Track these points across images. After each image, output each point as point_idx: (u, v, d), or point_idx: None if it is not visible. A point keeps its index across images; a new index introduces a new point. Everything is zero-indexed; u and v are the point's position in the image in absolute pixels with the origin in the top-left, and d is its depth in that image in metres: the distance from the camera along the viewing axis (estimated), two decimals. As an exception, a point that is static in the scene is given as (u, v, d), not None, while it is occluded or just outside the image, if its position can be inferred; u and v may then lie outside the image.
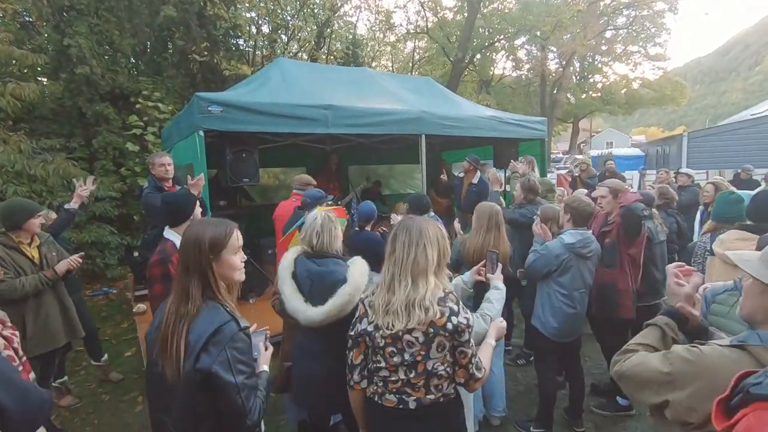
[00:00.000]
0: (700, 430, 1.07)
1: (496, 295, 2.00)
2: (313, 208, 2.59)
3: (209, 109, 3.79)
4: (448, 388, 1.58)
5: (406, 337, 1.48)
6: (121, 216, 7.19)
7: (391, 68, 20.37)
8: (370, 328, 1.54)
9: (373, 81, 6.02)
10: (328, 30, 12.49)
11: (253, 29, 10.64)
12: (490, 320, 1.86)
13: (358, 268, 1.95)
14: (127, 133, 7.25)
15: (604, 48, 24.27)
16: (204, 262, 1.35)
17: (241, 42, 10.85)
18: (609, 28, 23.28)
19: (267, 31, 11.53)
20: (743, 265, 1.11)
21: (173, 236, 2.32)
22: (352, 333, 1.61)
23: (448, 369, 1.54)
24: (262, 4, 10.43)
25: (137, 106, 7.37)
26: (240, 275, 1.46)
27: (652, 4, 20.84)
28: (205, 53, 8.29)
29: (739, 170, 8.43)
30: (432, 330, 1.46)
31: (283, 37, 11.87)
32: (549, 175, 12.33)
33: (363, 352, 1.60)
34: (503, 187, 5.75)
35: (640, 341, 1.32)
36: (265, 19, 10.87)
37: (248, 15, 10.11)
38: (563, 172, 12.42)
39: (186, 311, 1.32)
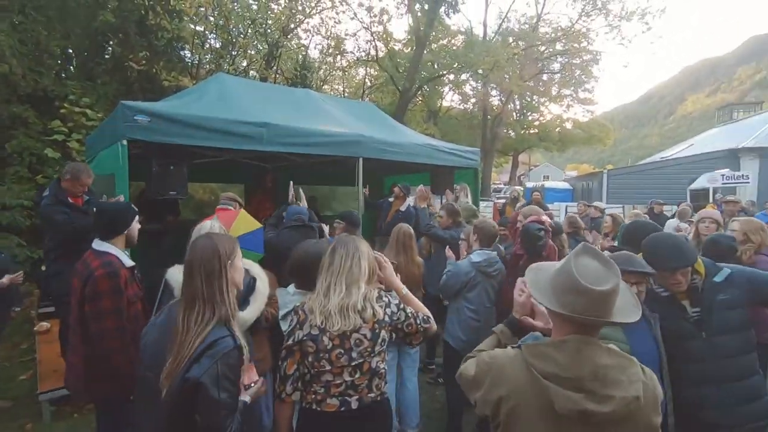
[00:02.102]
0: (493, 422, 1.23)
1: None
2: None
3: (135, 118, 3.68)
4: (384, 386, 1.74)
5: (355, 335, 1.59)
6: (32, 227, 6.61)
7: (343, 93, 20.74)
8: (314, 332, 1.59)
9: (315, 103, 6.13)
10: (279, 50, 12.58)
11: (200, 42, 10.47)
12: None
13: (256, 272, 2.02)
14: (48, 138, 6.76)
15: (541, 89, 26.34)
16: (221, 269, 1.49)
17: (186, 54, 10.63)
18: (545, 72, 25.35)
19: (216, 45, 11.41)
20: (529, 284, 1.31)
21: (112, 249, 2.26)
22: (289, 342, 1.63)
23: (384, 367, 1.72)
24: (210, 19, 10.34)
25: (62, 110, 6.93)
26: (242, 282, 1.71)
27: (582, 54, 23.07)
28: (144, 62, 8.03)
29: (653, 205, 9.47)
30: (377, 325, 1.63)
31: (233, 53, 11.79)
32: (489, 203, 12.97)
33: (298, 361, 1.63)
34: (430, 205, 6.01)
35: (481, 347, 1.47)
36: (212, 33, 10.76)
37: (194, 28, 9.96)
38: (501, 201, 13.18)
39: (205, 320, 1.40)
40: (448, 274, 2.83)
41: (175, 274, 2.01)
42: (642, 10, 17.87)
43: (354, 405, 1.62)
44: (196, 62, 10.42)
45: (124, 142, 3.63)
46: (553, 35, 21.43)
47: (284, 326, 1.70)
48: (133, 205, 2.57)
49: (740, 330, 1.95)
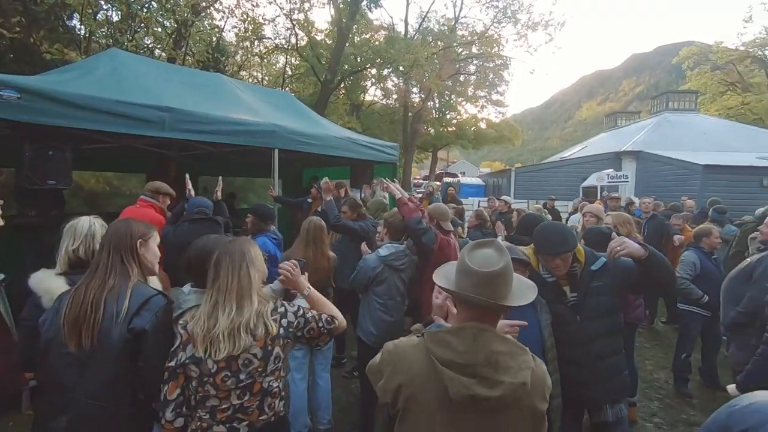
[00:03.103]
0: (392, 411, 1.27)
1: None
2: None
3: (1, 93, 3.15)
4: (279, 404, 1.62)
5: (243, 356, 1.46)
6: None
7: (261, 81, 19.85)
8: (198, 354, 1.44)
9: (227, 88, 5.78)
10: (189, 30, 11.62)
11: (92, 12, 9.28)
12: None
13: None
14: None
15: (458, 89, 27.65)
16: (132, 245, 1.60)
17: (76, 24, 9.37)
18: (462, 72, 26.63)
19: (115, 18, 10.21)
20: (436, 275, 1.37)
21: None
22: (171, 364, 1.47)
23: (280, 385, 1.60)
24: (105, -13, 9.23)
25: None
26: (157, 267, 1.74)
27: (494, 58, 24.61)
28: (18, 29, 6.91)
29: (548, 201, 10.63)
30: (270, 342, 1.50)
31: (134, 28, 10.63)
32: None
33: (181, 385, 1.48)
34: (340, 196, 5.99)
35: None
36: (108, 4, 9.60)
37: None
38: (421, 194, 13.65)
39: (113, 284, 1.50)
40: (357, 268, 2.84)
41: (44, 281, 1.77)
42: (545, 22, 19.50)
43: (243, 431, 1.51)
44: (87, 35, 9.23)
45: (-14, 120, 3.10)
46: (469, 38, 22.55)
47: (177, 329, 1.53)
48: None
49: (610, 314, 2.15)
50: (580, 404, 2.21)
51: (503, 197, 7.35)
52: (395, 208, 3.19)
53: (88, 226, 1.85)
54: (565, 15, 19.89)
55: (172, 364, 1.46)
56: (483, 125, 30.99)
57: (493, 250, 1.26)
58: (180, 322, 1.52)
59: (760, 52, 30.36)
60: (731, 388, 2.49)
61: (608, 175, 12.85)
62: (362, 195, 6.42)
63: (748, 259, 3.13)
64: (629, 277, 2.08)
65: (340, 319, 1.73)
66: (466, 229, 6.38)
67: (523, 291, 1.29)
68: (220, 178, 4.49)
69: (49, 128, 3.47)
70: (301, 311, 1.63)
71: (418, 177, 38.43)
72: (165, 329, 1.51)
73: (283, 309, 1.58)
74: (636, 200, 7.22)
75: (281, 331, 1.53)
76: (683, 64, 34.60)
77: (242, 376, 1.47)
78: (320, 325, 1.65)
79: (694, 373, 4.28)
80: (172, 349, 1.48)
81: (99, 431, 1.46)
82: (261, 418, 1.54)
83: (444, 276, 1.34)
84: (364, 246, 3.05)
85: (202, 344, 1.42)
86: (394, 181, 3.54)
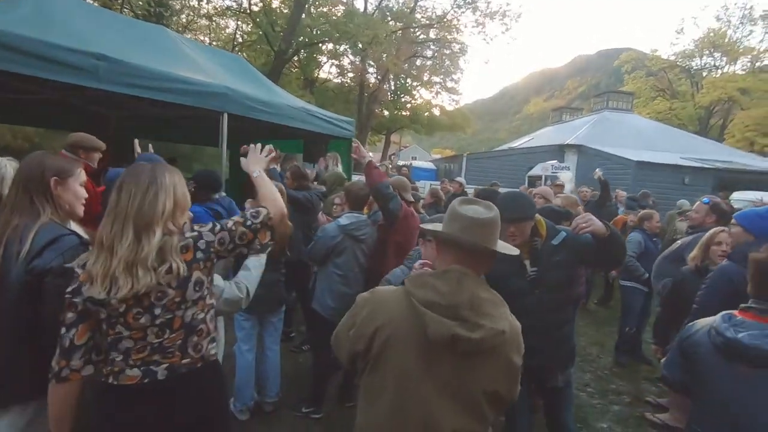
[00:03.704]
0: (365, 358, 1.25)
1: (254, 262, 1.94)
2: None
3: None
4: (208, 347, 1.42)
5: (156, 288, 1.26)
6: None
7: (209, 45, 18.59)
8: (99, 296, 1.23)
9: (172, 42, 5.29)
10: (127, -22, 10.55)
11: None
12: (245, 288, 1.78)
13: None
14: None
15: (414, 73, 27.64)
16: (44, 183, 1.44)
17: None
18: (418, 56, 26.61)
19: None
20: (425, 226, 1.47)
21: None
22: (76, 301, 1.26)
23: (207, 318, 1.41)
24: None
25: None
26: (81, 209, 1.58)
27: (452, 45, 24.83)
28: None
29: (491, 184, 11.05)
30: (186, 268, 1.30)
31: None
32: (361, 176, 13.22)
33: (91, 328, 1.29)
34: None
35: None
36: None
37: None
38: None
39: (17, 223, 1.37)
40: (316, 238, 2.74)
41: None
42: (503, 12, 19.89)
43: (161, 375, 1.32)
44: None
45: None
46: (427, 21, 22.49)
47: (75, 269, 1.31)
48: None
49: (566, 286, 2.19)
50: (533, 371, 2.28)
51: (457, 178, 7.52)
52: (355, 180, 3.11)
53: (12, 171, 1.64)
54: (522, 7, 20.51)
55: (77, 300, 1.26)
56: (437, 112, 31.37)
57: (482, 205, 1.30)
58: (76, 262, 1.31)
59: (687, 63, 33.21)
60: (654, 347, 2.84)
61: (552, 165, 13.53)
62: (316, 168, 6.25)
63: (679, 242, 3.42)
64: (587, 252, 2.12)
65: (270, 209, 1.52)
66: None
67: (507, 247, 1.35)
68: (136, 140, 3.89)
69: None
70: (218, 225, 1.42)
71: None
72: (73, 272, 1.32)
73: (195, 232, 1.38)
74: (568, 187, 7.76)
75: (198, 254, 1.34)
76: (623, 68, 37.09)
77: (157, 311, 1.29)
78: (248, 224, 1.44)
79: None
80: (70, 290, 1.27)
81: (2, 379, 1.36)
82: (184, 361, 1.36)
83: (431, 226, 1.41)
84: (321, 216, 2.94)
85: (102, 283, 1.23)
86: (358, 146, 3.40)
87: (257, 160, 1.73)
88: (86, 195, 1.61)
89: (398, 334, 1.20)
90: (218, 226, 1.41)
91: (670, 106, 32.32)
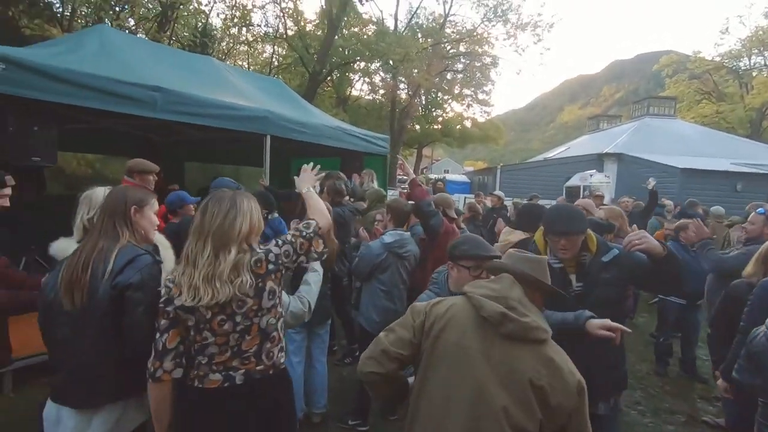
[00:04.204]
0: (426, 340, 1.38)
1: (314, 277, 2.06)
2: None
3: (-17, 63, 2.99)
4: (278, 354, 1.58)
5: (236, 298, 1.42)
6: None
7: (248, 69, 19.48)
8: (188, 304, 1.40)
9: (217, 72, 5.65)
10: (174, 13, 11.29)
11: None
12: (307, 302, 1.88)
13: None
14: None
15: (445, 87, 27.75)
16: (125, 211, 1.62)
17: (54, 1, 9.00)
18: (449, 70, 26.73)
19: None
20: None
21: None
22: (169, 309, 1.44)
23: (278, 326, 1.56)
24: (88, -36, 8.87)
25: None
26: (154, 234, 1.77)
27: (482, 57, 24.82)
28: (-5, 2, 6.59)
29: (531, 197, 10.82)
30: (260, 280, 1.47)
31: (116, 8, 10.26)
32: (395, 192, 13.38)
33: (181, 334, 1.47)
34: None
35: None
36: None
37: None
38: (406, 190, 13.72)
39: (102, 246, 1.54)
40: (360, 255, 2.84)
41: (65, 249, 1.76)
42: (534, 23, 19.74)
43: (239, 380, 1.47)
44: (69, 12, 8.87)
45: (-32, 91, 2.94)
46: (458, 36, 22.62)
47: (165, 284, 1.51)
48: (7, 177, 2.12)
49: (613, 306, 2.02)
50: None
51: (496, 192, 7.45)
52: (396, 197, 3.19)
53: (103, 196, 1.84)
54: (554, 17, 20.26)
55: (170, 309, 1.44)
56: (468, 124, 31.23)
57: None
58: (168, 276, 1.50)
59: (734, 63, 31.53)
60: (719, 382, 2.60)
61: (591, 175, 13.13)
62: (352, 184, 6.40)
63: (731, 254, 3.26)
64: (640, 273, 2.01)
65: (319, 220, 1.70)
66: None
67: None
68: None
69: (34, 103, 3.33)
70: (280, 241, 1.58)
71: (401, 173, 38.52)
72: (150, 286, 1.52)
73: (265, 248, 1.55)
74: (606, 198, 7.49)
75: (270, 266, 1.50)
76: (663, 72, 35.66)
77: (238, 318, 1.45)
78: (304, 234, 1.62)
79: (675, 364, 4.46)
80: (163, 300, 1.46)
81: (91, 384, 1.51)
82: (258, 368, 1.51)
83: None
84: (363, 231, 3.03)
85: (188, 292, 1.40)
86: (403, 163, 3.55)
87: (307, 179, 1.97)
88: (158, 222, 1.81)
89: (457, 316, 1.34)
90: (281, 241, 1.58)
91: (717, 109, 30.68)
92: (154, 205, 1.75)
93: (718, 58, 31.76)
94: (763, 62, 31.18)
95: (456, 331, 1.32)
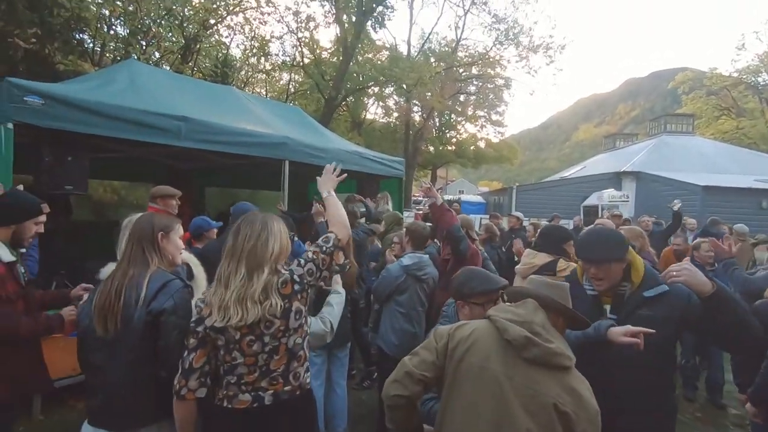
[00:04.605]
0: (450, 363, 1.38)
1: (337, 299, 2.09)
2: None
3: (25, 99, 3.19)
4: (305, 375, 1.60)
5: (264, 318, 1.45)
6: None
7: (266, 96, 20.10)
8: (219, 324, 1.44)
9: (238, 101, 5.86)
10: (197, 45, 11.84)
11: (104, 27, 9.46)
12: (329, 323, 1.91)
13: None
14: None
15: (458, 109, 28.05)
16: (153, 237, 1.68)
17: (86, 38, 9.54)
18: (462, 92, 27.06)
19: (122, 32, 10.38)
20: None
21: None
22: (199, 329, 1.48)
23: (304, 345, 1.59)
24: (118, 3, 9.41)
25: None
26: (180, 258, 1.82)
27: (495, 79, 25.08)
28: (33, 40, 7.02)
29: (554, 217, 10.67)
30: (287, 300, 1.49)
31: (143, 42, 10.81)
32: (410, 213, 13.42)
33: (208, 355, 1.50)
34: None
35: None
36: (119, 19, 9.80)
37: (98, 10, 8.98)
38: (420, 211, 13.72)
39: (133, 273, 1.60)
40: (380, 277, 2.87)
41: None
42: (546, 45, 19.96)
43: (268, 401, 1.49)
44: (99, 48, 9.38)
45: (10, 125, 3.13)
46: (470, 59, 22.99)
47: (197, 304, 1.57)
48: (43, 205, 2.24)
49: (658, 350, 1.70)
50: None
51: (514, 213, 7.40)
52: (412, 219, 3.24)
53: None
54: (565, 38, 20.35)
55: (200, 329, 1.48)
56: (482, 144, 31.33)
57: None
58: (199, 297, 1.55)
59: (753, 79, 31.09)
60: (748, 406, 2.49)
61: (609, 194, 12.97)
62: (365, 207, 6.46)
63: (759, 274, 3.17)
64: (691, 313, 1.68)
65: (337, 232, 1.70)
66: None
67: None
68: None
69: (68, 134, 3.52)
70: (302, 260, 1.60)
71: (418, 194, 38.66)
72: (182, 309, 1.57)
73: (290, 269, 1.57)
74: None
75: (296, 287, 1.52)
76: (679, 89, 35.38)
77: (266, 339, 1.47)
78: (324, 249, 1.63)
79: (703, 389, 4.30)
80: (193, 320, 1.51)
81: (127, 408, 1.56)
82: (286, 388, 1.52)
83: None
84: (389, 254, 3.08)
85: (218, 312, 1.44)
86: (428, 183, 3.59)
87: (328, 180, 1.96)
88: (183, 246, 1.87)
89: (482, 339, 1.34)
90: (303, 260, 1.60)
91: (737, 125, 30.15)
92: (179, 230, 1.82)
93: (735, 74, 31.37)
94: (782, 77, 30.67)
95: (480, 354, 1.32)
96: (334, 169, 2.00)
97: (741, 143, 26.85)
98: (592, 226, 2.49)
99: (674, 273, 1.62)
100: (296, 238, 3.68)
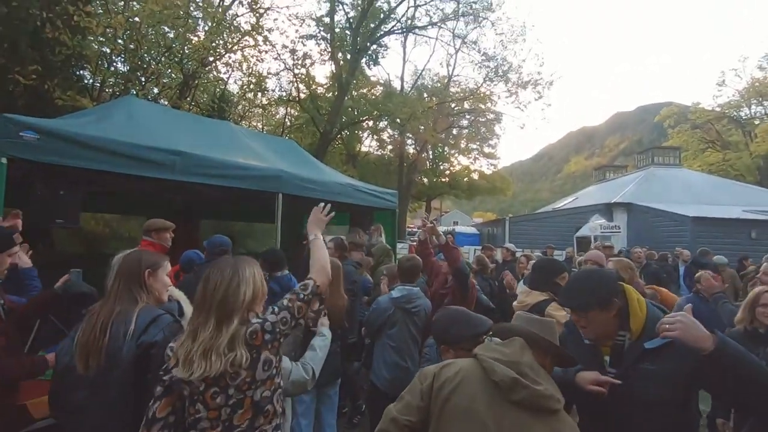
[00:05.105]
0: (435, 402, 1.34)
1: (320, 342, 2.03)
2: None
3: (21, 134, 3.24)
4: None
5: (230, 370, 1.38)
6: None
7: (262, 130, 20.44)
8: (181, 375, 1.39)
9: (233, 135, 5.96)
10: (195, 81, 12.12)
11: (105, 64, 9.71)
12: (311, 370, 1.85)
13: None
14: None
15: (451, 142, 28.65)
16: (140, 275, 1.69)
17: (86, 74, 9.76)
18: (454, 126, 27.71)
19: (122, 69, 10.64)
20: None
21: None
22: (165, 378, 1.43)
23: (274, 399, 1.48)
24: (119, 41, 9.70)
25: None
26: (166, 296, 1.82)
27: (486, 114, 25.78)
28: (34, 77, 7.17)
29: (547, 249, 10.68)
30: (255, 351, 1.42)
31: (142, 78, 11.07)
32: (404, 245, 13.40)
33: (173, 405, 1.45)
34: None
35: None
36: (120, 56, 10.07)
37: (100, 48, 9.25)
38: (414, 243, 13.73)
39: (120, 309, 1.59)
40: (371, 310, 2.85)
41: None
42: (535, 81, 20.66)
43: None
44: (98, 84, 9.59)
45: (4, 160, 3.16)
46: (461, 95, 23.69)
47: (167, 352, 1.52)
48: (14, 237, 2.24)
49: (670, 408, 1.51)
50: None
51: (506, 245, 7.43)
52: (408, 254, 3.29)
53: None
54: (553, 75, 21.06)
55: (166, 378, 1.43)
56: (475, 176, 31.81)
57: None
58: (170, 345, 1.47)
59: (735, 113, 32.22)
60: None
61: (601, 225, 13.08)
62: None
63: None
64: (701, 372, 1.42)
65: (317, 278, 1.65)
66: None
67: None
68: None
69: (61, 168, 3.55)
70: (276, 308, 1.53)
71: (412, 225, 38.76)
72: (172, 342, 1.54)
73: (261, 318, 1.49)
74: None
75: (266, 336, 1.44)
76: (664, 123, 36.49)
77: (231, 391, 1.40)
78: (301, 297, 1.57)
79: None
80: (162, 367, 1.44)
81: None
82: None
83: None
84: (384, 285, 3.08)
85: (183, 365, 1.37)
86: (432, 222, 3.73)
87: (318, 221, 1.92)
88: (170, 283, 1.88)
89: (468, 379, 1.31)
90: (277, 308, 1.53)
91: (723, 157, 30.95)
92: (166, 266, 1.83)
93: (718, 109, 32.55)
94: (763, 111, 31.81)
95: (466, 396, 1.29)
96: (323, 209, 1.96)
97: (728, 175, 27.46)
98: (583, 256, 2.50)
99: (666, 326, 1.40)
100: (286, 272, 3.67)
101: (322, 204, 1.98)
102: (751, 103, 31.70)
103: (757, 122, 31.35)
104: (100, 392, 1.51)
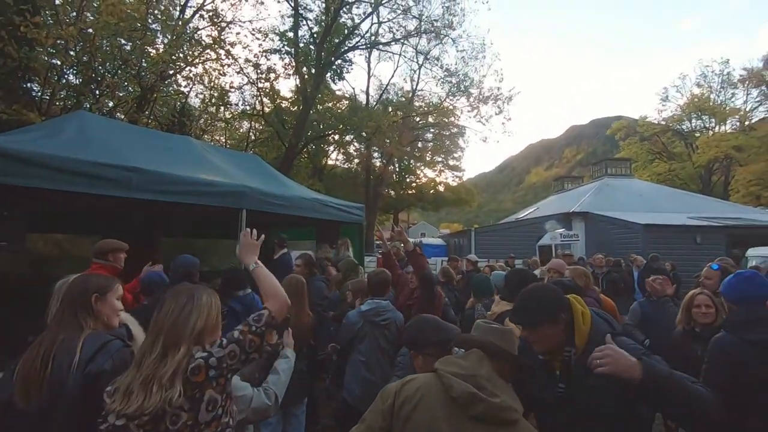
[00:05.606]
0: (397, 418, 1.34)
1: (284, 365, 1.97)
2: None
3: (-45, 152, 3.04)
4: None
5: (170, 412, 1.27)
6: None
7: (225, 144, 20.02)
8: (119, 422, 1.25)
9: (194, 150, 5.81)
10: (154, 95, 11.76)
11: (55, 76, 9.26)
12: (273, 395, 1.80)
13: None
14: None
15: (417, 154, 29.14)
16: (86, 300, 1.59)
17: (34, 86, 9.28)
18: (420, 139, 28.21)
19: (75, 81, 10.19)
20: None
21: None
22: (102, 428, 1.27)
23: None
24: (71, 53, 9.29)
25: None
26: (116, 321, 1.70)
27: (450, 127, 26.43)
28: (-25, 91, 6.75)
29: (509, 258, 11.00)
30: (197, 390, 1.31)
31: (96, 91, 10.62)
32: (372, 258, 13.39)
33: None
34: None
35: None
36: (72, 69, 9.65)
37: (50, 60, 8.83)
38: (380, 257, 13.77)
39: (63, 338, 1.50)
40: (342, 325, 2.83)
41: None
42: (495, 96, 21.42)
43: None
44: (47, 97, 9.13)
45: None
46: (426, 109, 24.22)
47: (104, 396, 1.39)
48: None
49: (615, 418, 1.52)
50: None
51: (469, 256, 7.59)
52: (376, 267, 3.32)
53: None
54: (512, 90, 21.97)
55: (103, 427, 1.26)
56: (441, 188, 32.43)
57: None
58: (108, 388, 1.32)
59: (678, 126, 34.64)
60: None
61: (561, 234, 13.60)
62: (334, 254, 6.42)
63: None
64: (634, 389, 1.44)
65: (271, 307, 1.53)
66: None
67: None
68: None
69: (4, 187, 3.33)
70: (224, 340, 1.41)
71: (378, 235, 38.88)
72: (124, 370, 1.40)
73: (205, 352, 1.37)
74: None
75: (211, 373, 1.33)
76: (616, 136, 38.68)
77: None
78: (254, 329, 1.45)
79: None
80: (102, 413, 1.29)
81: None
82: None
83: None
84: (351, 300, 3.07)
85: (121, 397, 1.26)
86: (402, 231, 3.79)
87: (250, 249, 1.74)
88: (122, 307, 1.77)
89: (426, 397, 1.31)
90: (225, 341, 1.41)
91: (669, 167, 33.11)
92: (117, 290, 1.73)
93: (663, 122, 34.90)
94: (702, 125, 34.38)
95: (426, 414, 1.29)
96: (251, 233, 1.81)
97: (674, 184, 29.36)
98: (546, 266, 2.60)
99: (597, 362, 1.42)
100: (249, 290, 3.57)
101: (248, 229, 1.83)
102: (692, 117, 34.22)
103: (697, 135, 33.83)
104: (47, 426, 1.41)
